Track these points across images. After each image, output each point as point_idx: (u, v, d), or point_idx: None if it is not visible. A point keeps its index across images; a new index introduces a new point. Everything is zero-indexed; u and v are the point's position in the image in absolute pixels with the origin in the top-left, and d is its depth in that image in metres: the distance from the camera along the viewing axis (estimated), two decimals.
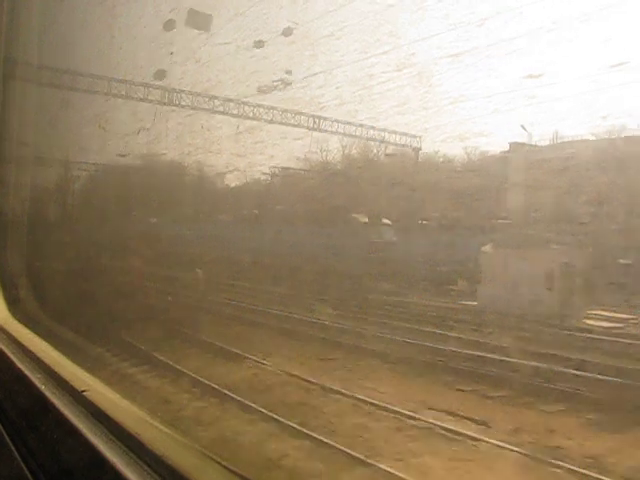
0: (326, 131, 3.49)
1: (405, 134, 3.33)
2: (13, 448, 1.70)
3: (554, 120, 2.28)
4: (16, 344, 2.50)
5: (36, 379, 1.94)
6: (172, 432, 1.51)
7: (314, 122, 3.40)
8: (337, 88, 2.86)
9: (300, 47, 3.12)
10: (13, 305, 3.25)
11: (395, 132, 3.34)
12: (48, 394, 1.79)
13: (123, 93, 4.32)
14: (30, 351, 2.33)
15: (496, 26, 1.82)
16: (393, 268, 4.78)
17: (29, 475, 1.53)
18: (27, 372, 2.03)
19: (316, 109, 3.06)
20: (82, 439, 1.47)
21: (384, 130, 3.42)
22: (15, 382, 2.07)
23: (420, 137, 3.35)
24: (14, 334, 2.69)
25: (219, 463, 1.31)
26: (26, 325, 2.94)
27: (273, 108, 3.60)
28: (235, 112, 3.80)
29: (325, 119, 3.50)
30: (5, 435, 1.80)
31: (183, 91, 3.95)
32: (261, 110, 3.74)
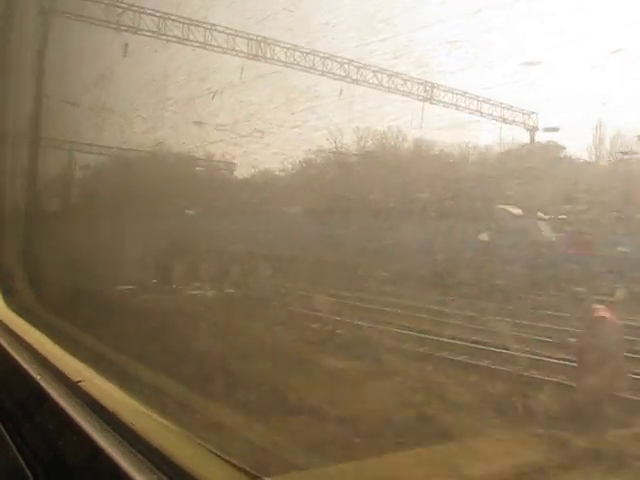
0: (440, 102, 2.84)
1: (522, 110, 2.71)
2: (8, 438, 1.71)
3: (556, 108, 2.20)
4: (12, 335, 2.50)
5: (31, 369, 1.94)
6: (167, 422, 1.51)
7: (425, 90, 2.82)
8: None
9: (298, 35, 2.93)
10: (9, 296, 3.25)
11: (511, 107, 2.72)
12: (44, 384, 1.79)
13: (201, 40, 3.44)
14: (26, 342, 2.33)
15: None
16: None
17: (24, 465, 1.53)
18: (22, 363, 2.04)
19: (312, 97, 2.71)
20: (77, 429, 1.48)
21: (499, 104, 2.78)
22: (10, 373, 2.07)
23: (536, 114, 2.67)
24: (9, 325, 2.69)
25: (214, 453, 1.32)
26: (22, 316, 2.94)
27: (382, 71, 2.96)
28: (338, 72, 3.01)
29: (439, 87, 2.76)
30: (0, 426, 1.80)
31: (278, 43, 3.17)
32: (367, 73, 2.95)
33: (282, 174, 3.77)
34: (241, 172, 3.89)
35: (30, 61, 3.83)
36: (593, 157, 2.64)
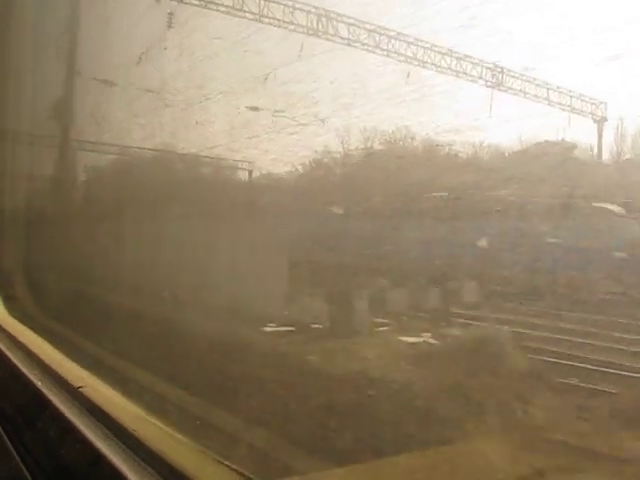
0: (509, 89, 2.56)
1: (591, 100, 2.45)
2: (10, 445, 1.70)
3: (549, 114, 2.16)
4: (13, 341, 2.50)
5: (33, 376, 1.94)
6: (169, 429, 1.51)
7: (493, 76, 2.53)
8: (331, 83, 2.53)
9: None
10: (10, 302, 3.24)
11: (582, 97, 2.49)
12: (45, 391, 1.79)
13: (256, 11, 3.02)
14: (27, 348, 2.33)
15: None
16: None
17: (26, 472, 1.53)
18: (24, 369, 2.03)
19: (309, 104, 2.54)
20: (79, 435, 1.47)
21: (570, 93, 2.52)
22: (12, 379, 2.07)
23: (605, 103, 2.44)
24: (11, 331, 2.69)
25: (216, 459, 1.31)
26: (23, 322, 2.94)
27: (450, 53, 2.66)
28: (403, 53, 2.74)
29: (508, 72, 2.58)
30: (2, 432, 1.80)
31: (341, 18, 2.84)
32: (434, 55, 2.69)
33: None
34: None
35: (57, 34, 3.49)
36: (615, 155, 2.44)
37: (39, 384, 1.85)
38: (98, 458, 1.36)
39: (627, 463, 1.43)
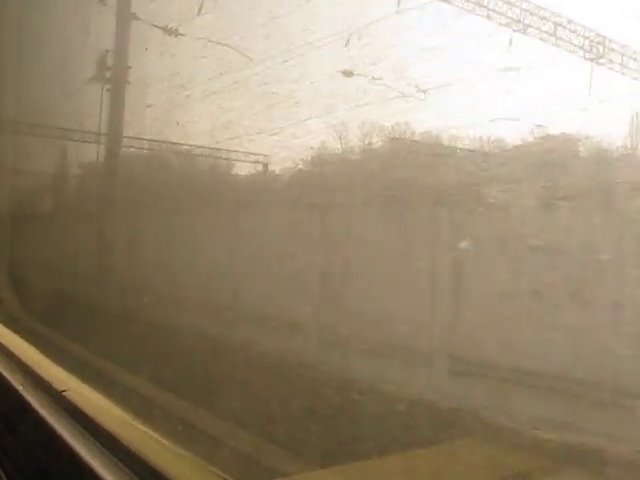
0: (609, 64, 2.20)
1: None
2: None
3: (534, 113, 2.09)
4: None
5: (14, 379, 1.90)
6: (152, 433, 1.48)
7: (593, 47, 2.17)
8: (312, 83, 2.42)
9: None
10: None
11: None
12: (26, 394, 1.75)
13: None
14: (9, 351, 2.28)
15: None
16: None
17: (5, 478, 1.49)
18: (5, 372, 1.99)
19: (291, 104, 2.29)
20: (60, 440, 1.44)
21: None
22: None
23: None
24: None
25: (202, 465, 1.28)
26: (7, 325, 2.89)
27: (554, 15, 2.17)
28: (505, 14, 2.46)
29: (610, 44, 2.18)
30: None
31: None
32: (536, 19, 2.33)
33: None
34: None
35: None
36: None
37: (20, 388, 1.81)
38: (79, 463, 1.32)
39: None
